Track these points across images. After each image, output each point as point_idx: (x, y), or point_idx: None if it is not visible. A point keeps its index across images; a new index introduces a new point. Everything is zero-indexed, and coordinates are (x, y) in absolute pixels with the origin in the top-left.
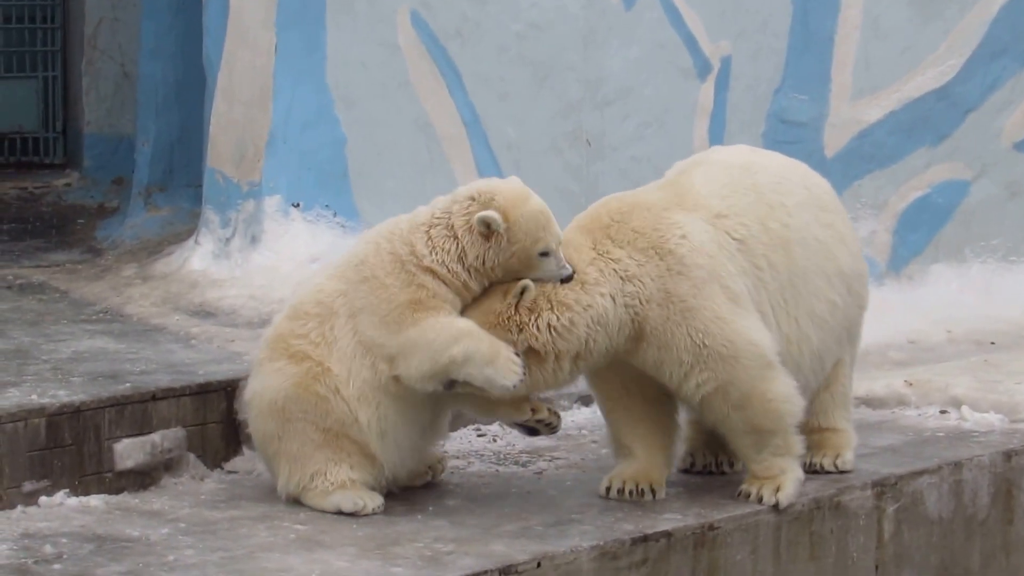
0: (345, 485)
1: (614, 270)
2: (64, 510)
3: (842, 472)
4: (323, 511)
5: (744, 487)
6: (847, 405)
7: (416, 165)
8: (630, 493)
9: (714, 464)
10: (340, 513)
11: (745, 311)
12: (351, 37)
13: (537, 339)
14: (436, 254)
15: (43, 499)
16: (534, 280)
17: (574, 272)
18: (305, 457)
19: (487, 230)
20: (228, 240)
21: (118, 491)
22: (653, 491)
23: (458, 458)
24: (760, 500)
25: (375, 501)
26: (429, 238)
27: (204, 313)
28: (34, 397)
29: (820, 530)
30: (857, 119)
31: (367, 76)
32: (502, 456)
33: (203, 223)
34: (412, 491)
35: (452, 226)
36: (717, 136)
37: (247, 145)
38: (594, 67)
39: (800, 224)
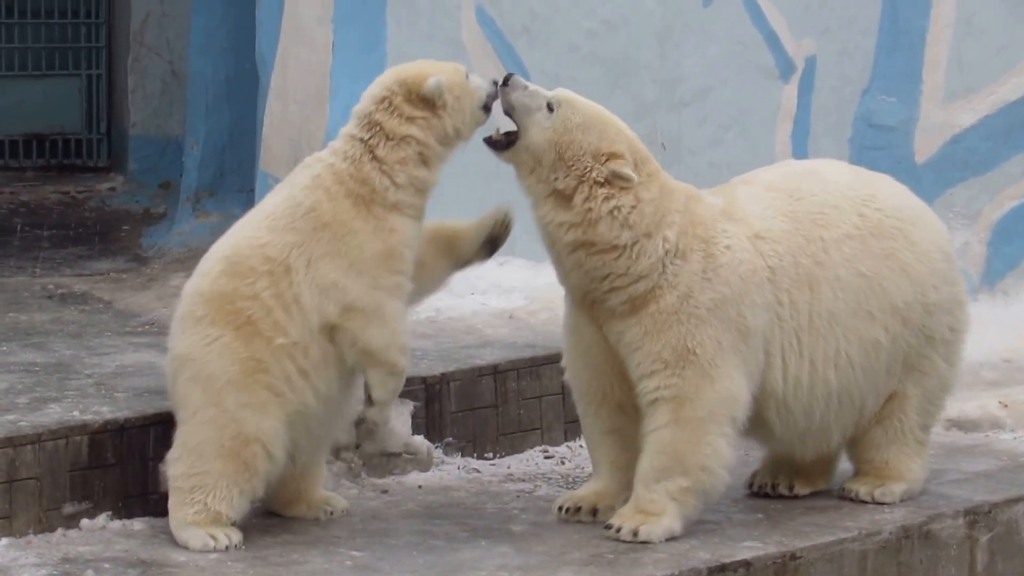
0: (217, 519)
1: (672, 240)
2: (106, 533)
3: (878, 503)
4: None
5: (615, 520)
6: (907, 441)
7: (479, 169)
8: (566, 511)
9: (770, 487)
10: (186, 548)
11: (746, 351)
12: (412, 34)
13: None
14: (398, 177)
15: (84, 522)
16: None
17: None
18: (199, 459)
19: (440, 98)
20: None
21: (164, 513)
22: (595, 511)
23: (524, 481)
24: (618, 532)
25: (232, 538)
26: (379, 162)
27: None
28: (76, 413)
29: (909, 560)
30: (950, 123)
31: None
32: (571, 479)
33: None
34: (475, 516)
35: (393, 132)
36: (800, 140)
37: (302, 147)
38: (670, 66)
39: (837, 260)
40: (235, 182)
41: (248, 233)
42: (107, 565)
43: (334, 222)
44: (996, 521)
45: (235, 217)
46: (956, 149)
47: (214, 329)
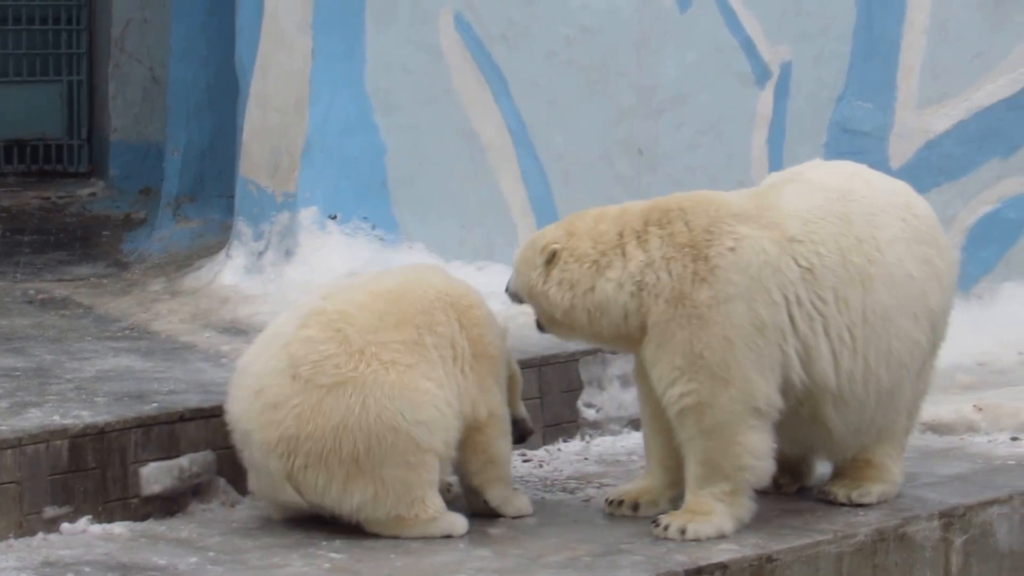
0: (443, 509)
1: (635, 259)
2: (87, 537)
3: (856, 505)
4: (428, 537)
5: (663, 518)
6: (894, 441)
7: (459, 175)
8: (610, 503)
9: (774, 485)
10: (448, 536)
11: (764, 345)
12: (392, 40)
13: (547, 308)
14: None
15: (65, 526)
16: None
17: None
18: (400, 481)
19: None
20: (261, 254)
21: (144, 517)
22: (636, 506)
23: None
24: (665, 529)
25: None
26: None
27: (235, 330)
28: (56, 418)
29: (884, 563)
30: (924, 129)
31: (408, 81)
32: (549, 483)
33: (235, 236)
34: None
35: None
36: (776, 146)
37: (282, 154)
38: (647, 73)
39: (890, 260)
40: (215, 188)
41: (368, 320)
42: (88, 569)
43: (499, 360)
44: (971, 523)
45: (215, 223)
46: (931, 155)
47: (368, 369)
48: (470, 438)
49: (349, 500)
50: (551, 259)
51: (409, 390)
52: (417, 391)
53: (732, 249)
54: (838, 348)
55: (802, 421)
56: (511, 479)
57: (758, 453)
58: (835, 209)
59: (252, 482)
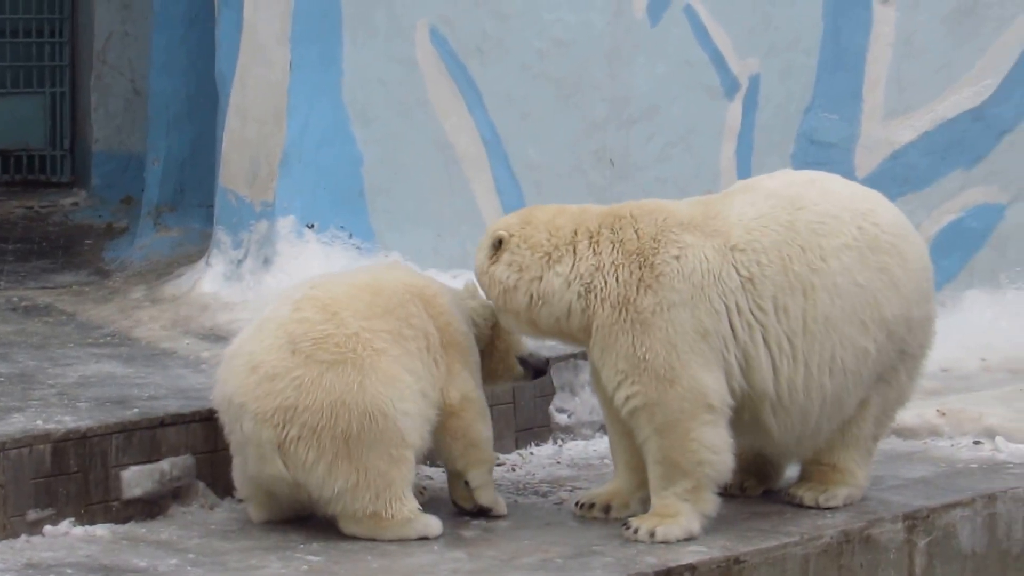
0: (418, 510)
1: (585, 260)
2: (69, 540)
3: (822, 508)
4: (404, 539)
5: (633, 521)
6: (859, 447)
7: (434, 185)
8: (581, 506)
9: (739, 488)
10: (424, 538)
11: (708, 350)
12: (368, 53)
13: (487, 288)
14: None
15: (48, 528)
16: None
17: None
18: (381, 474)
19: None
20: (240, 262)
21: (125, 520)
22: (608, 508)
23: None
24: (635, 532)
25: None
26: None
27: (215, 337)
28: (39, 423)
29: (850, 564)
30: (889, 140)
31: (385, 93)
32: (521, 486)
33: (214, 244)
34: None
35: None
36: (745, 157)
37: (260, 164)
38: (619, 85)
39: (835, 268)
40: (195, 197)
41: (358, 308)
42: (70, 571)
43: (466, 346)
44: (934, 526)
45: (195, 231)
46: (895, 165)
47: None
48: (448, 424)
49: (331, 483)
50: (497, 245)
51: (397, 380)
52: (402, 383)
53: (677, 257)
54: (777, 357)
55: (744, 425)
56: (493, 461)
57: (715, 448)
58: (780, 217)
59: (236, 470)
